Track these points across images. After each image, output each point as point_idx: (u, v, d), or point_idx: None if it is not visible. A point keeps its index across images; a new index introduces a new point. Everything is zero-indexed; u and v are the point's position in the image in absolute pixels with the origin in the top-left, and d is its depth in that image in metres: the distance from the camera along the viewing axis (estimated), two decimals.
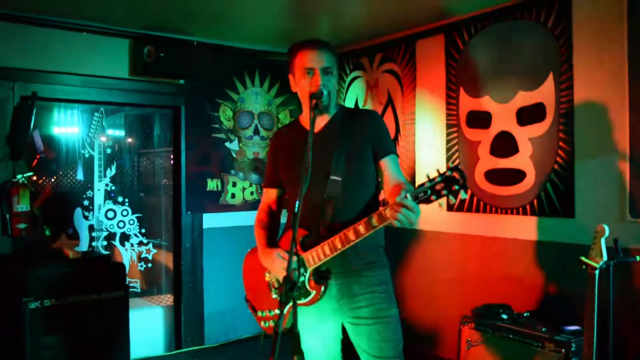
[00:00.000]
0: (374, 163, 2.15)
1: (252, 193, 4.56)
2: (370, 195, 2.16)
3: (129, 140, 4.37)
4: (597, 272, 2.38)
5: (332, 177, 2.07)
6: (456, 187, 1.74)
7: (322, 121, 2.18)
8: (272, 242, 2.27)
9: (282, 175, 2.29)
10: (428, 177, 1.79)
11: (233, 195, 4.46)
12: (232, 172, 4.45)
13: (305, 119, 2.25)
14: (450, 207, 3.78)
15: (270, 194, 2.38)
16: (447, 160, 3.80)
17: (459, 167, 1.75)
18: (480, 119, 3.58)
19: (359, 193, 2.12)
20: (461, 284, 3.72)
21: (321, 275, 2.05)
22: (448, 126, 3.83)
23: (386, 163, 2.14)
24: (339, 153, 2.10)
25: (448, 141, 3.82)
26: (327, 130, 2.17)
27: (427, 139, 3.98)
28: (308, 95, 2.09)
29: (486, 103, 3.54)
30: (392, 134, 4.15)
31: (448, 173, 1.76)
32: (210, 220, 4.34)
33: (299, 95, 2.19)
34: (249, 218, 4.32)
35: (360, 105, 4.47)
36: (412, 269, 4.07)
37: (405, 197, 1.80)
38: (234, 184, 4.47)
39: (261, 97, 4.61)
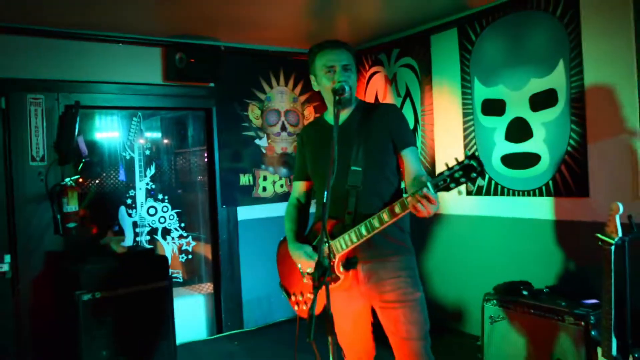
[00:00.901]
0: (394, 155, 2.14)
1: (282, 186, 4.56)
2: (392, 185, 2.14)
3: (166, 141, 4.35)
4: (612, 247, 2.34)
5: (352, 168, 2.06)
6: (474, 174, 1.72)
7: (343, 115, 2.18)
8: (300, 235, 2.27)
9: (310, 168, 2.28)
10: (447, 166, 1.77)
11: (264, 189, 4.47)
12: (263, 166, 4.46)
13: (328, 114, 2.25)
14: (469, 192, 3.75)
15: (299, 187, 2.37)
16: (465, 147, 3.78)
17: (476, 154, 1.76)
18: (495, 107, 3.56)
19: (380, 183, 2.10)
20: (483, 264, 3.70)
21: (349, 262, 2.04)
22: (464, 115, 3.82)
23: (405, 155, 2.12)
24: (359, 145, 2.09)
25: (465, 129, 3.80)
26: (348, 124, 2.17)
27: (445, 128, 3.97)
28: (330, 91, 2.08)
29: (500, 91, 3.52)
30: (411, 125, 4.11)
31: (466, 161, 1.73)
32: (244, 213, 4.36)
33: (322, 93, 2.20)
34: (280, 209, 4.32)
35: (380, 99, 4.45)
36: (436, 252, 4.06)
37: (427, 187, 1.78)
38: (265, 178, 4.48)
39: (286, 96, 4.60)
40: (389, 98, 4.39)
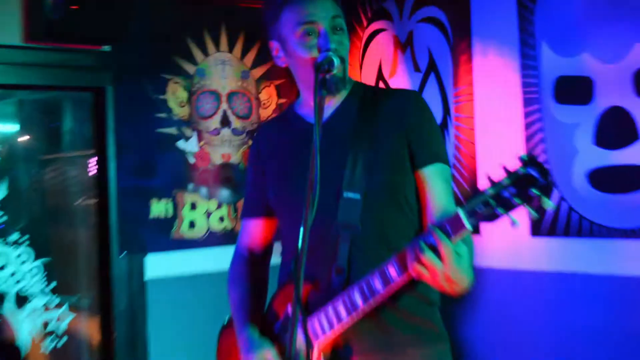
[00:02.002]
0: (413, 173, 2.23)
1: (221, 219, 4.56)
2: (411, 223, 2.24)
3: (25, 140, 4.41)
4: None
5: (345, 195, 2.16)
6: (534, 190, 1.73)
7: (329, 107, 2.28)
8: (256, 313, 2.35)
9: (273, 194, 2.38)
10: (491, 180, 1.80)
11: (192, 224, 4.48)
12: (190, 186, 4.48)
13: (303, 105, 2.36)
14: (535, 229, 3.75)
15: (253, 228, 2.49)
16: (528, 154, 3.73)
17: (537, 158, 1.76)
18: (577, 89, 3.58)
19: (391, 220, 2.20)
20: (555, 347, 3.69)
21: (337, 356, 2.11)
22: (526, 102, 3.81)
23: (429, 176, 2.21)
24: (356, 156, 2.19)
25: (527, 125, 3.81)
26: (337, 122, 2.27)
27: (493, 123, 3.99)
28: (311, 66, 2.16)
29: (585, 64, 3.54)
30: (438, 116, 4.20)
31: (521, 170, 1.75)
32: (158, 265, 4.37)
33: (292, 70, 2.31)
34: (219, 259, 4.24)
35: (386, 77, 4.46)
36: (478, 325, 4.07)
37: (433, 232, 1.84)
38: (194, 206, 4.49)
39: (231, 68, 4.65)
40: (400, 75, 4.40)
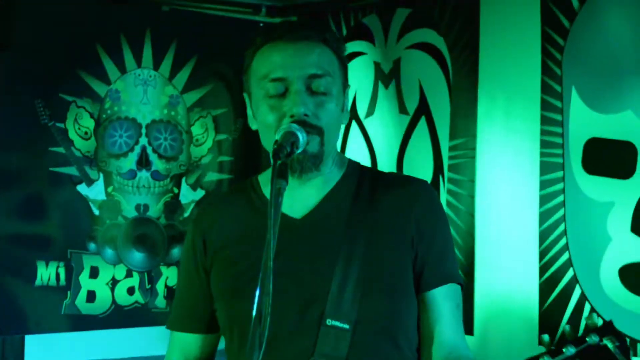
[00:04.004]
0: (416, 295, 2.22)
1: (131, 291, 4.36)
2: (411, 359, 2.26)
3: None
4: None
5: (329, 322, 2.10)
6: None
7: (311, 194, 2.23)
8: None
9: (221, 304, 2.28)
10: (549, 348, 1.82)
11: (91, 296, 4.25)
12: (92, 246, 4.28)
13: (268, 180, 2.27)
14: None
15: (185, 347, 2.40)
16: (541, 241, 3.68)
17: (613, 326, 1.79)
18: (614, 157, 3.47)
19: (383, 358, 2.18)
20: None
21: None
22: (544, 168, 3.68)
23: (437, 300, 2.21)
24: (347, 269, 2.14)
25: (543, 199, 3.66)
26: (324, 213, 2.22)
27: (499, 192, 3.89)
28: (273, 134, 2.12)
29: (628, 125, 3.43)
30: (427, 176, 4.12)
31: (590, 339, 1.79)
32: (42, 351, 4.19)
33: (261, 136, 2.27)
34: (126, 344, 4.27)
35: (363, 116, 4.43)
36: None
37: None
38: (95, 272, 4.28)
39: (156, 91, 4.47)
40: (379, 116, 4.40)
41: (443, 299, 2.18)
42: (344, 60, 2.21)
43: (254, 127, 2.27)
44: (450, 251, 2.29)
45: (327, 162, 2.17)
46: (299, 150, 2.04)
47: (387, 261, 2.17)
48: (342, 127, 2.27)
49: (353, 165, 2.29)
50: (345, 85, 2.21)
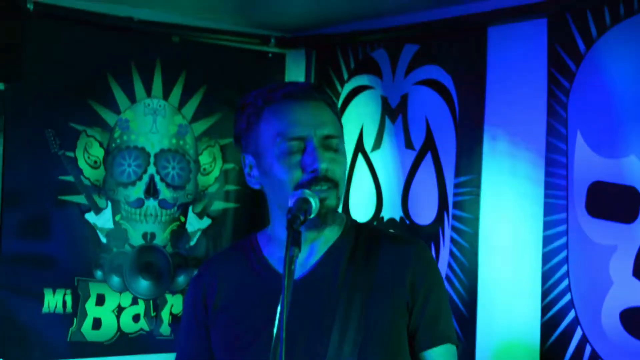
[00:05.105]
0: (410, 354, 2.25)
1: (136, 318, 4.35)
2: None
3: None
4: None
5: None
6: None
7: (313, 251, 2.27)
8: None
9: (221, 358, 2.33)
10: None
11: (97, 323, 4.25)
12: (98, 273, 4.27)
13: (275, 240, 2.32)
14: None
15: None
16: (544, 281, 3.69)
17: None
18: (618, 202, 3.48)
19: None
20: None
21: None
22: (548, 209, 3.69)
23: None
24: (343, 332, 2.16)
25: (547, 240, 3.67)
26: (322, 273, 2.25)
27: (503, 230, 3.90)
28: (294, 203, 2.13)
29: (631, 170, 3.45)
30: (432, 211, 4.13)
31: None
32: None
33: (266, 192, 2.30)
34: None
35: (369, 149, 4.44)
36: None
37: None
38: (101, 300, 4.29)
39: (165, 121, 4.49)
40: (386, 150, 4.40)
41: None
42: (340, 121, 2.30)
43: (256, 186, 2.31)
44: (444, 312, 2.30)
45: (330, 218, 2.23)
46: (312, 216, 2.10)
47: (383, 323, 2.19)
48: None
49: (350, 224, 2.34)
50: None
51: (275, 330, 1.95)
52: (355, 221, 2.41)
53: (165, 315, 4.28)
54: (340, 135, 2.26)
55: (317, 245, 2.28)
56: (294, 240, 2.01)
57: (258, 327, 2.25)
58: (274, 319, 2.02)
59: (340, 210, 2.37)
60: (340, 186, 2.23)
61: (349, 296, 2.21)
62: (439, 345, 2.23)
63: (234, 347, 2.30)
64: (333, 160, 2.19)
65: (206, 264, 2.68)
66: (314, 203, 2.10)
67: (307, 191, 2.11)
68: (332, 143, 2.20)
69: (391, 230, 4.26)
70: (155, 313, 4.40)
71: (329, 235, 2.29)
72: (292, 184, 2.18)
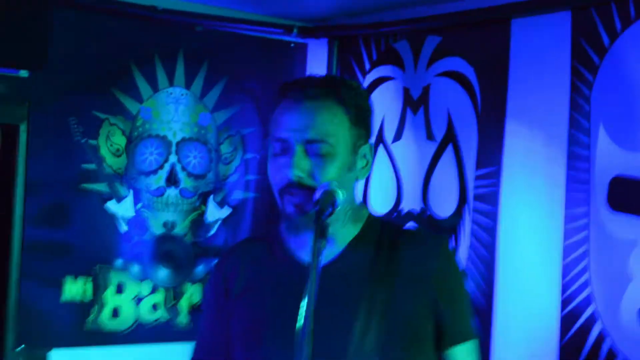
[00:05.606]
0: (436, 352, 2.26)
1: (155, 307, 4.39)
2: None
3: None
4: None
5: None
6: None
7: (333, 242, 2.25)
8: None
9: (241, 349, 2.33)
10: None
11: (116, 312, 4.31)
12: (118, 263, 4.31)
13: (292, 229, 2.33)
14: None
15: None
16: (564, 274, 3.69)
17: None
18: (639, 196, 3.49)
19: None
20: None
21: None
22: (569, 203, 3.69)
23: (457, 357, 2.26)
24: (367, 322, 2.18)
25: (568, 234, 3.67)
26: (344, 265, 2.26)
27: (522, 225, 3.90)
28: (276, 192, 2.25)
29: None
30: (452, 203, 4.15)
31: None
32: None
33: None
34: None
35: (390, 140, 4.44)
36: None
37: None
38: (120, 288, 4.33)
39: (187, 109, 4.52)
40: (406, 142, 4.42)
41: (465, 356, 2.27)
42: (360, 116, 2.25)
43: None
44: (468, 308, 2.35)
45: (338, 217, 2.19)
46: (339, 207, 2.11)
47: (407, 317, 2.20)
48: (355, 183, 2.31)
49: (373, 219, 2.35)
50: (359, 141, 2.25)
51: (300, 322, 1.95)
52: (379, 217, 2.41)
53: (184, 304, 4.32)
54: (332, 138, 2.21)
55: (338, 237, 2.27)
56: (321, 232, 2.03)
57: (277, 313, 2.27)
58: (293, 306, 2.03)
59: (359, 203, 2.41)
60: (335, 194, 2.17)
61: (373, 288, 2.22)
62: (463, 341, 2.26)
63: (252, 331, 2.32)
64: (316, 166, 2.18)
65: (230, 249, 2.70)
66: (341, 194, 2.11)
67: (334, 182, 2.12)
68: (316, 148, 2.19)
69: (411, 227, 4.26)
70: (174, 302, 4.44)
71: (350, 229, 2.29)
72: (273, 184, 2.22)
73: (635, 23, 3.51)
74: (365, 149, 2.25)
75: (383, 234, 2.30)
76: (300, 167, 2.15)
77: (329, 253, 2.24)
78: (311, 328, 1.93)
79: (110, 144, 4.28)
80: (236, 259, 2.43)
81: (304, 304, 1.95)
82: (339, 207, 2.14)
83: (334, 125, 2.19)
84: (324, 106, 2.20)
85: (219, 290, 2.40)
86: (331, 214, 2.07)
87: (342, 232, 2.25)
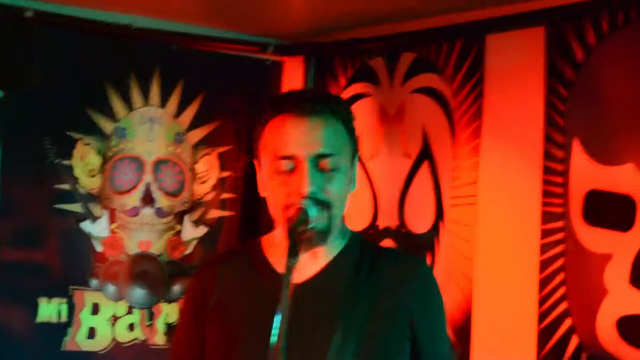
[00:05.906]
0: None
1: (131, 327, 4.37)
2: None
3: None
4: None
5: None
6: None
7: (312, 262, 2.23)
8: None
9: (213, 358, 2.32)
10: None
11: (92, 333, 4.28)
12: (94, 283, 4.30)
13: (277, 245, 2.27)
14: None
15: None
16: (541, 288, 3.71)
17: None
18: (614, 210, 3.51)
19: None
20: None
21: None
22: (545, 217, 3.71)
23: None
24: (344, 342, 2.16)
25: (544, 247, 3.69)
26: (324, 283, 2.24)
27: (498, 240, 3.94)
28: (281, 209, 2.16)
29: (628, 178, 3.47)
30: (429, 220, 4.16)
31: None
32: None
33: (268, 204, 2.27)
34: None
35: (366, 157, 4.43)
36: None
37: None
38: (96, 309, 4.31)
39: (162, 129, 4.52)
40: (382, 159, 4.43)
41: None
42: (352, 129, 2.23)
43: (263, 194, 2.29)
44: (444, 329, 2.35)
45: (334, 233, 2.19)
46: (311, 226, 2.09)
47: (384, 337, 2.19)
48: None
49: (355, 237, 2.31)
50: (354, 155, 2.24)
51: (272, 337, 1.94)
52: (360, 235, 2.40)
53: (160, 324, 4.29)
54: (339, 152, 2.19)
55: (321, 254, 2.25)
56: (294, 251, 2.03)
57: (254, 325, 2.23)
58: (271, 320, 2.00)
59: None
60: (334, 207, 2.18)
61: (351, 306, 2.20)
62: None
63: (228, 344, 2.29)
64: (327, 180, 2.16)
65: (210, 260, 2.69)
66: (312, 213, 2.12)
67: (306, 201, 2.11)
68: (326, 162, 2.16)
69: (390, 247, 4.20)
70: (150, 322, 4.42)
71: (333, 246, 2.26)
72: (285, 205, 2.16)
73: (609, 37, 3.54)
74: (356, 161, 2.26)
75: (364, 252, 2.29)
76: (315, 183, 2.12)
77: (314, 267, 2.25)
78: (284, 345, 1.91)
79: (84, 164, 4.28)
80: (215, 270, 2.39)
81: (277, 320, 1.94)
82: (333, 222, 2.16)
83: (339, 139, 2.18)
84: (327, 120, 2.17)
85: (197, 301, 2.37)
86: (305, 232, 2.07)
87: (329, 246, 2.23)
